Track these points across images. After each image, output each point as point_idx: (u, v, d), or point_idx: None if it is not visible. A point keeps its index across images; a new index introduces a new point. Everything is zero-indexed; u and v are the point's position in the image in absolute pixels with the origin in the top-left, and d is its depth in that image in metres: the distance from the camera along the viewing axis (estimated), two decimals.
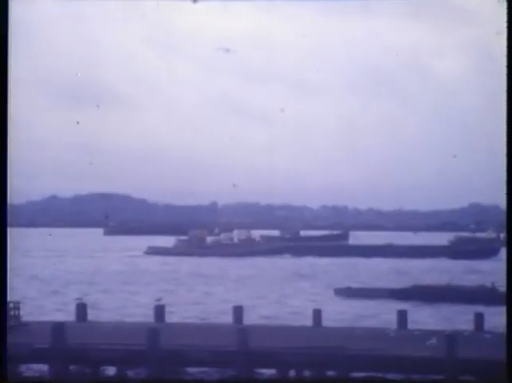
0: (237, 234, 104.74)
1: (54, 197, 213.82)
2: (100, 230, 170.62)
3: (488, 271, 73.98)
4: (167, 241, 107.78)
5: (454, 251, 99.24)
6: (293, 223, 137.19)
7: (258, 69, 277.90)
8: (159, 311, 28.35)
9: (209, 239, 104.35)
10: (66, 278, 63.79)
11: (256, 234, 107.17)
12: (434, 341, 22.80)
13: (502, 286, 47.37)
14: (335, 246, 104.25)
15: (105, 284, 58.70)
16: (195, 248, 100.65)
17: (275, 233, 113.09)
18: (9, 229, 14.69)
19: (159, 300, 34.25)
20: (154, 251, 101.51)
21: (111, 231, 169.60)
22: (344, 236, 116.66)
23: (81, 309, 28.58)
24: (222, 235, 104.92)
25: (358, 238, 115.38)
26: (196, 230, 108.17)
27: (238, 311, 27.93)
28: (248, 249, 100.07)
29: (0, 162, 14.38)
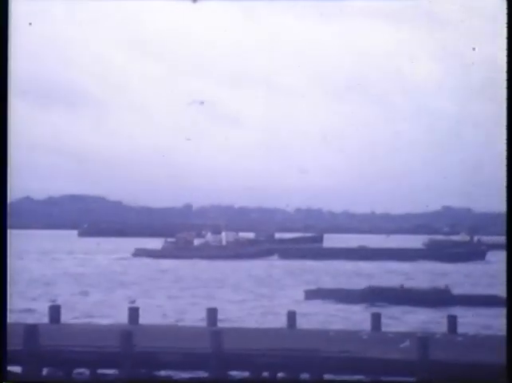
0: (224, 237, 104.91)
1: (27, 198, 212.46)
2: (75, 232, 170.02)
3: (468, 274, 74.81)
4: (146, 242, 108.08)
5: (438, 254, 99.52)
6: (268, 226, 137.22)
7: (231, 70, 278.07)
8: (133, 313, 28.25)
9: (196, 242, 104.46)
10: (56, 280, 63.78)
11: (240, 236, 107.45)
12: (407, 343, 22.88)
13: (454, 288, 48.29)
14: (310, 249, 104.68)
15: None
16: (183, 250, 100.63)
17: (250, 235, 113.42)
18: None
19: (132, 302, 34.13)
20: (142, 253, 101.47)
21: (85, 233, 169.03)
22: (319, 239, 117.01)
23: (55, 311, 28.43)
24: (210, 237, 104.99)
25: (332, 240, 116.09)
26: (184, 232, 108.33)
27: (212, 313, 27.90)
28: (235, 251, 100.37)
29: (0, 163, 14.30)
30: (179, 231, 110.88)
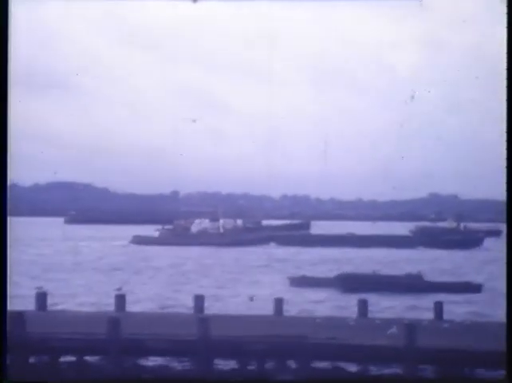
0: (223, 224, 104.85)
1: (14, 186, 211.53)
2: (61, 219, 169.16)
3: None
4: (136, 229, 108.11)
5: (426, 241, 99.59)
6: (255, 213, 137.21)
7: (213, 57, 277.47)
8: (120, 300, 28.19)
9: (194, 229, 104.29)
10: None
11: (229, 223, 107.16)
12: (394, 330, 22.91)
13: (427, 275, 48.83)
14: (306, 236, 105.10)
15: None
16: (181, 238, 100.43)
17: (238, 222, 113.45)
18: None
19: (119, 289, 34.04)
20: (140, 241, 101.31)
21: (72, 220, 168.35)
22: (306, 226, 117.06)
23: (41, 298, 28.30)
24: (208, 225, 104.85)
25: (320, 227, 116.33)
26: (181, 219, 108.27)
27: (199, 300, 27.88)
28: (233, 238, 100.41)
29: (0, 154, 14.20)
30: (171, 218, 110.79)
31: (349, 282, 46.87)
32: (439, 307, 27.23)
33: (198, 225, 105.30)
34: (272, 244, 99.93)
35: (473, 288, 46.46)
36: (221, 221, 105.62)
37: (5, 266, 14.27)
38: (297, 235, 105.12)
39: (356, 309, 28.04)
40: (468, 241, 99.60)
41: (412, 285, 46.18)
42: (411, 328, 21.24)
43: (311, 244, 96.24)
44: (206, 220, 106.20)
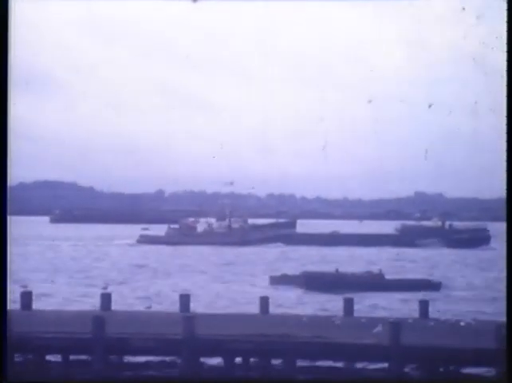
0: (229, 223, 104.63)
1: None
2: (46, 219, 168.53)
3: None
4: (126, 228, 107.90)
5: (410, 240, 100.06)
6: (241, 212, 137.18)
7: (197, 56, 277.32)
8: (105, 299, 28.10)
9: (200, 228, 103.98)
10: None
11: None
12: (380, 328, 22.95)
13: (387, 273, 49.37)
14: (311, 235, 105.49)
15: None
16: (188, 237, 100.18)
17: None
18: None
19: (105, 288, 34.00)
20: (146, 240, 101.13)
21: (57, 219, 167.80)
22: (292, 224, 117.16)
23: (26, 297, 28.18)
24: (215, 224, 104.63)
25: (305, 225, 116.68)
26: (187, 218, 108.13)
27: (185, 299, 27.82)
28: (241, 238, 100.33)
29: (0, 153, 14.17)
30: (157, 217, 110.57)
31: (311, 281, 47.56)
32: (424, 305, 27.27)
33: (204, 224, 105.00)
34: (279, 243, 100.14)
35: (433, 286, 47.32)
36: (227, 220, 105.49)
37: (5, 265, 14.18)
38: (302, 234, 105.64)
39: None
40: (452, 240, 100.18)
41: (373, 283, 46.65)
42: (395, 326, 21.30)
43: (315, 243, 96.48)
44: (213, 219, 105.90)
